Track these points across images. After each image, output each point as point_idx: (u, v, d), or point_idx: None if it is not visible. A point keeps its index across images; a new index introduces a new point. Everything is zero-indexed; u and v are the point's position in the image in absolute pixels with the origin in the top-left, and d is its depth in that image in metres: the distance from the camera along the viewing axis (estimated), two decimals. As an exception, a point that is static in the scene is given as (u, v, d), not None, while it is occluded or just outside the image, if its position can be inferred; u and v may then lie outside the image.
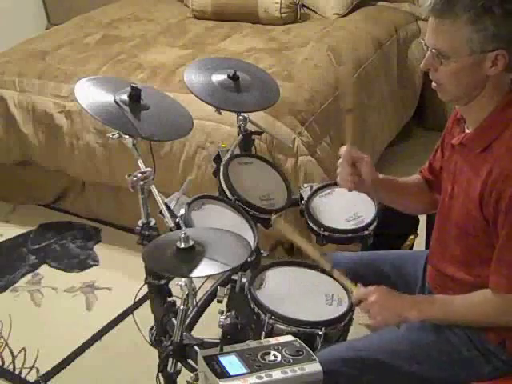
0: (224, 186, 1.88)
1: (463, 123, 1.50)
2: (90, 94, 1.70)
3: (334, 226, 1.87)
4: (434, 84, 1.43)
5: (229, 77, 1.95)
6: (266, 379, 1.23)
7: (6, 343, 2.45)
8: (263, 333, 1.52)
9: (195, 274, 1.38)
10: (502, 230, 1.37)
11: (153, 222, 1.72)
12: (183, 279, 1.53)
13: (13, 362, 2.37)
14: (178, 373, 1.67)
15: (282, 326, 1.51)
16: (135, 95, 1.68)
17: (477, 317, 1.46)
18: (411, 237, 2.09)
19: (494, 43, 1.31)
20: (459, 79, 1.37)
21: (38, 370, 2.32)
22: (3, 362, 2.36)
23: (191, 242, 1.41)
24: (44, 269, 2.86)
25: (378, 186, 1.67)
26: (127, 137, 1.65)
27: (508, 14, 1.29)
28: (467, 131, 1.47)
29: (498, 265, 1.40)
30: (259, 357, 1.29)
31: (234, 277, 1.63)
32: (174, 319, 1.67)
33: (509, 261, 1.38)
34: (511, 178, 1.33)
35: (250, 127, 2.05)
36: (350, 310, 1.58)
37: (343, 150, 1.60)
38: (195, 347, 1.59)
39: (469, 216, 1.44)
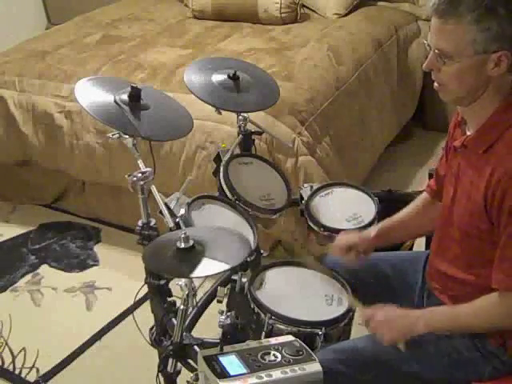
0: (224, 186, 1.87)
1: (464, 125, 1.50)
2: (90, 94, 1.70)
3: (334, 226, 1.87)
4: (436, 84, 1.43)
5: (229, 77, 1.95)
6: (265, 379, 1.23)
7: (6, 343, 2.45)
8: (263, 333, 1.52)
9: (195, 274, 1.38)
10: (504, 229, 1.37)
11: (153, 222, 1.72)
12: (183, 279, 1.53)
13: (13, 362, 2.37)
14: (178, 373, 1.67)
15: (281, 326, 1.51)
16: (135, 95, 1.68)
17: (483, 322, 1.45)
18: (411, 237, 2.09)
19: (497, 44, 1.31)
20: (462, 80, 1.37)
21: (37, 370, 2.32)
22: (3, 362, 2.36)
23: (191, 242, 1.41)
24: (44, 269, 2.85)
25: (380, 242, 1.74)
26: (127, 137, 1.65)
27: None
28: (468, 133, 1.47)
29: (499, 262, 1.40)
30: (259, 357, 1.29)
31: (234, 277, 1.62)
32: (174, 319, 1.67)
33: (510, 258, 1.38)
34: None
35: (250, 127, 2.05)
36: (350, 310, 1.58)
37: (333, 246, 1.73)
38: (195, 347, 1.59)
39: (472, 218, 1.44)
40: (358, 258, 1.72)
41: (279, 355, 1.29)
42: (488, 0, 1.28)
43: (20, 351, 2.40)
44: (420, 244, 2.06)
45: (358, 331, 1.63)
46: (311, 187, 2.01)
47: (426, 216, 1.73)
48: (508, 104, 1.39)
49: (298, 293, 1.64)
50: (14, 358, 2.38)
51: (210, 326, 1.78)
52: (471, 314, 1.45)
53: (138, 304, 2.07)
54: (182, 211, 1.72)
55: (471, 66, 1.34)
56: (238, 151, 2.03)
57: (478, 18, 1.29)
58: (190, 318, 1.76)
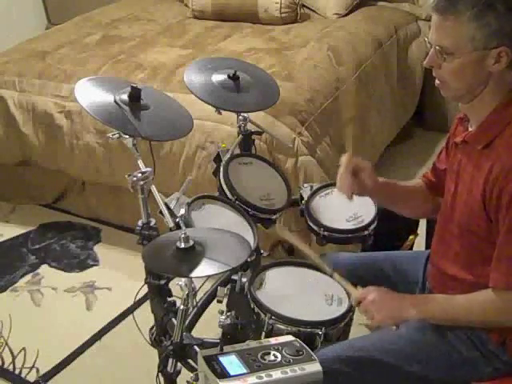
0: (224, 186, 1.87)
1: (466, 122, 1.51)
2: (90, 94, 1.70)
3: (334, 226, 1.87)
4: (437, 81, 1.44)
5: (229, 77, 1.95)
6: (265, 379, 1.23)
7: (6, 343, 2.45)
8: (263, 333, 1.52)
9: (195, 273, 1.38)
10: (502, 226, 1.38)
11: (153, 222, 1.72)
12: (183, 279, 1.53)
13: (13, 362, 2.37)
14: (178, 373, 1.67)
15: (281, 326, 1.51)
16: (135, 95, 1.68)
17: (478, 317, 1.45)
18: (411, 237, 2.09)
19: (496, 40, 1.32)
20: (462, 76, 1.38)
21: (37, 370, 2.32)
22: (3, 362, 2.37)
23: (191, 242, 1.41)
24: (44, 269, 2.86)
25: (378, 190, 1.68)
26: (127, 137, 1.65)
27: (511, 11, 1.30)
28: (470, 129, 1.48)
29: (497, 261, 1.41)
30: (259, 357, 1.29)
31: (234, 277, 1.63)
32: (174, 319, 1.67)
33: (508, 256, 1.38)
34: None
35: (250, 127, 2.05)
36: (350, 310, 1.58)
37: (344, 158, 1.60)
38: (195, 347, 1.59)
39: (472, 214, 1.44)
40: (355, 188, 1.62)
41: (279, 355, 1.29)
42: None
43: (20, 351, 2.40)
44: (420, 243, 2.06)
45: (357, 331, 1.63)
46: (311, 187, 2.01)
47: (417, 199, 1.73)
48: (508, 100, 1.40)
49: (298, 293, 1.64)
50: (13, 358, 2.38)
51: (209, 326, 1.78)
52: (466, 306, 1.46)
53: (137, 304, 2.07)
54: (182, 211, 1.72)
55: (471, 62, 1.35)
56: (238, 151, 2.03)
57: (476, 15, 1.30)
58: (189, 317, 1.76)
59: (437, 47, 1.37)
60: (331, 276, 1.58)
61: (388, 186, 1.71)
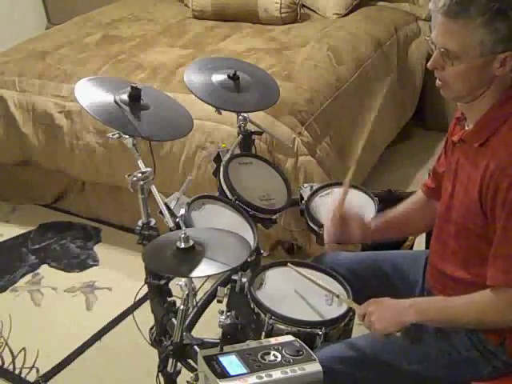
0: (224, 186, 1.87)
1: (464, 121, 1.50)
2: (90, 94, 1.70)
3: (334, 225, 1.87)
4: (438, 82, 1.43)
5: (229, 77, 1.95)
6: (265, 379, 1.23)
7: (6, 343, 2.45)
8: (263, 333, 1.52)
9: (195, 274, 1.38)
10: (498, 224, 1.38)
11: (153, 222, 1.72)
12: (183, 279, 1.53)
13: (13, 362, 2.37)
14: (178, 373, 1.67)
15: (281, 326, 1.51)
16: (135, 95, 1.68)
17: (476, 318, 1.45)
18: (411, 237, 2.09)
19: (504, 45, 1.32)
20: (466, 79, 1.38)
21: (37, 370, 2.32)
22: (3, 362, 2.36)
23: (191, 242, 1.41)
24: (44, 269, 2.85)
25: (375, 235, 1.73)
26: (127, 137, 1.65)
27: None
28: (467, 128, 1.48)
29: (494, 258, 1.40)
30: (259, 357, 1.29)
31: (234, 277, 1.63)
32: (174, 319, 1.67)
33: (505, 254, 1.38)
34: (507, 171, 1.33)
35: (250, 127, 2.05)
36: (350, 309, 1.58)
37: (334, 206, 1.70)
38: (195, 347, 1.59)
39: (468, 212, 1.44)
40: (339, 239, 1.71)
41: (279, 355, 1.29)
42: (499, 3, 1.29)
43: (20, 351, 2.40)
44: (420, 243, 2.06)
45: (357, 331, 1.63)
46: (311, 187, 2.01)
47: (420, 215, 1.74)
48: (506, 99, 1.40)
49: (298, 293, 1.64)
50: (13, 358, 2.38)
51: (209, 326, 1.78)
52: (463, 307, 1.45)
53: (138, 304, 2.07)
54: (182, 211, 1.72)
55: (477, 67, 1.35)
56: (238, 151, 2.03)
57: (487, 21, 1.30)
58: (189, 318, 1.76)
59: (442, 49, 1.36)
60: (338, 296, 1.59)
61: (383, 227, 1.74)
